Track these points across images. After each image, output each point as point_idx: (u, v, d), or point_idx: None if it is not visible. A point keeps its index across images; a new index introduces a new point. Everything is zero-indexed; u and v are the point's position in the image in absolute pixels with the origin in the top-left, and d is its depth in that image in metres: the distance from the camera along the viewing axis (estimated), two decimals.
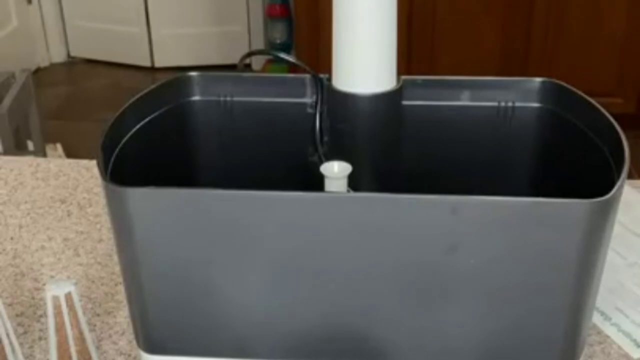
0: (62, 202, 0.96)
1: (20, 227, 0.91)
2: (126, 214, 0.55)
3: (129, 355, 0.71)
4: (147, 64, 3.62)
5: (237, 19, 3.52)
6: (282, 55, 0.74)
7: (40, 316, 0.76)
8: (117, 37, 3.61)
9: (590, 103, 0.64)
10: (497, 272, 0.55)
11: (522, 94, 0.69)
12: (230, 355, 0.61)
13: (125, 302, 0.69)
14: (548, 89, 0.69)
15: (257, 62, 3.44)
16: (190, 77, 0.71)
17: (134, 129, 0.65)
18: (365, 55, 0.66)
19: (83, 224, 0.91)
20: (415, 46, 2.66)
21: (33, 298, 0.79)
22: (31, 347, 0.72)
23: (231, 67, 3.01)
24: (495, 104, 0.70)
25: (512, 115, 0.70)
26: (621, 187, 0.54)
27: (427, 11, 2.64)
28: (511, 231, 0.54)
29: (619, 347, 0.72)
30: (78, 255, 0.86)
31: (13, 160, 1.07)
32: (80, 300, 0.69)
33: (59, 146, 2.64)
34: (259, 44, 3.53)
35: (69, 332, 0.62)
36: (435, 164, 0.72)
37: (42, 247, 0.87)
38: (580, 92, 0.66)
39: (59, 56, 3.72)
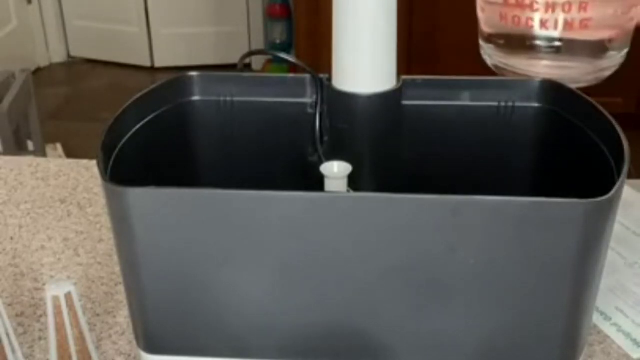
0: (62, 202, 0.96)
1: (20, 227, 0.91)
2: (126, 214, 0.55)
3: (129, 355, 0.71)
4: (147, 64, 3.62)
5: (237, 19, 3.53)
6: (282, 55, 0.74)
7: (40, 316, 0.76)
8: (117, 37, 3.61)
9: (590, 103, 0.64)
10: (497, 272, 0.55)
11: (522, 94, 0.69)
12: (231, 356, 0.61)
13: (125, 302, 0.69)
14: (548, 89, 0.69)
15: (257, 62, 3.44)
16: (190, 77, 0.71)
17: (134, 129, 0.65)
18: (365, 55, 0.66)
19: (83, 224, 0.91)
20: (415, 46, 2.66)
21: (33, 298, 0.79)
22: (31, 347, 0.72)
23: (231, 67, 3.00)
24: (495, 104, 0.70)
25: (512, 115, 0.70)
26: (621, 187, 0.54)
27: (427, 11, 2.64)
28: (511, 231, 0.54)
29: (619, 347, 0.72)
30: (78, 255, 0.86)
31: (13, 160, 1.07)
32: (80, 300, 0.69)
33: (59, 146, 2.64)
34: (259, 44, 3.53)
35: (69, 332, 0.62)
36: (435, 164, 0.72)
37: (42, 247, 0.87)
38: (580, 92, 0.66)
39: (59, 56, 3.72)
